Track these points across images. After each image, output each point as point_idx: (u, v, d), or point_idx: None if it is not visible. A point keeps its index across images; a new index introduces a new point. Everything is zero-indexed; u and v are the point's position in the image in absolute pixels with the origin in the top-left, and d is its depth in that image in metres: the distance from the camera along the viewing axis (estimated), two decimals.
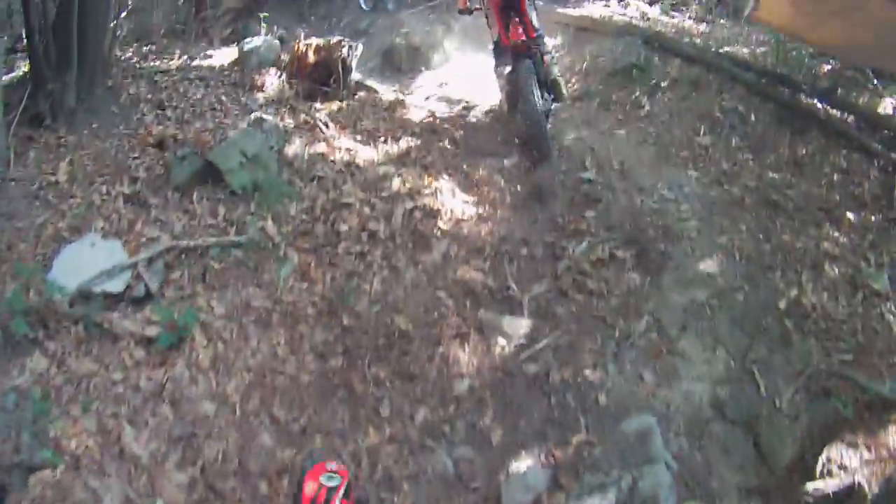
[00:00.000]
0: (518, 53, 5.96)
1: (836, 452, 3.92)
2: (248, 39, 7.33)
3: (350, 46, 6.76)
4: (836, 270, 4.95)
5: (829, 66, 7.82)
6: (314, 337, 4.14)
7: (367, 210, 4.89)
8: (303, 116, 6.08)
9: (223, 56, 7.54)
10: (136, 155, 5.42)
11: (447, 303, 4.34)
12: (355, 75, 6.97)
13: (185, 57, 7.51)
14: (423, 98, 7.48)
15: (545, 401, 4.00)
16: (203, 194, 5.00)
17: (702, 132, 6.53)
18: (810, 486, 3.81)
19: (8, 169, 5.19)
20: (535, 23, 6.23)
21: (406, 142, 5.91)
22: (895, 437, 3.94)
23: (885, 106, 6.87)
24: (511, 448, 3.85)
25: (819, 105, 6.54)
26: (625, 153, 6.15)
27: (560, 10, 9.47)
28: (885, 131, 6.35)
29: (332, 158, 5.50)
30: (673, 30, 8.85)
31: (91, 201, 4.93)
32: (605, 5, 9.94)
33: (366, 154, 5.65)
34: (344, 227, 4.72)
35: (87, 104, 5.96)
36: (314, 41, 6.74)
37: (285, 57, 7.30)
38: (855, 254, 5.14)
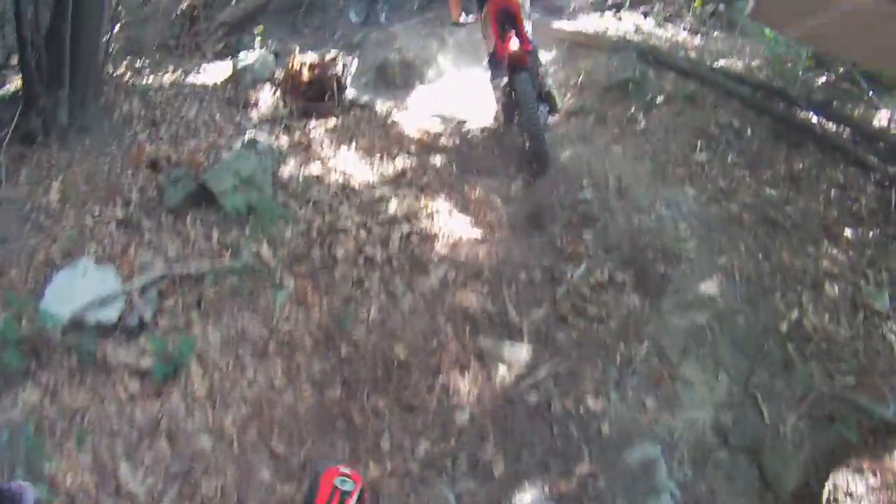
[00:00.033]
0: (515, 66, 5.96)
1: (842, 479, 3.88)
2: (241, 55, 7.28)
3: (345, 63, 6.70)
4: (836, 289, 4.91)
5: (824, 79, 7.83)
6: (312, 367, 4.07)
7: (363, 234, 4.84)
8: (297, 135, 6.04)
9: (217, 72, 7.47)
10: (128, 175, 5.35)
11: (446, 330, 4.28)
12: (350, 91, 6.90)
13: (179, 72, 7.45)
14: (417, 114, 7.43)
15: (547, 431, 3.94)
16: (197, 217, 4.94)
17: (698, 148, 6.50)
18: None
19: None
20: (530, 36, 6.27)
21: (402, 161, 5.87)
22: None
23: (881, 118, 6.86)
24: (513, 481, 3.79)
25: (815, 118, 6.52)
26: (621, 170, 6.11)
27: (555, 24, 9.44)
28: (881, 144, 6.34)
29: (327, 180, 5.45)
30: (667, 43, 8.84)
31: (83, 224, 4.86)
32: (599, 18, 9.92)
33: (361, 175, 5.60)
34: (340, 252, 4.66)
35: (80, 121, 5.89)
36: (309, 58, 6.68)
37: (279, 73, 7.25)
38: (854, 272, 5.11)
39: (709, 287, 4.76)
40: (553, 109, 6.31)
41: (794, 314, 4.62)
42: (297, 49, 6.97)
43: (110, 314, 4.12)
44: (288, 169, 5.49)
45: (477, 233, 5.07)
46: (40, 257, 4.59)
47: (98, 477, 3.59)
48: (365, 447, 3.86)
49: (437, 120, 7.25)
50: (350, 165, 5.72)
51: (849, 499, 3.81)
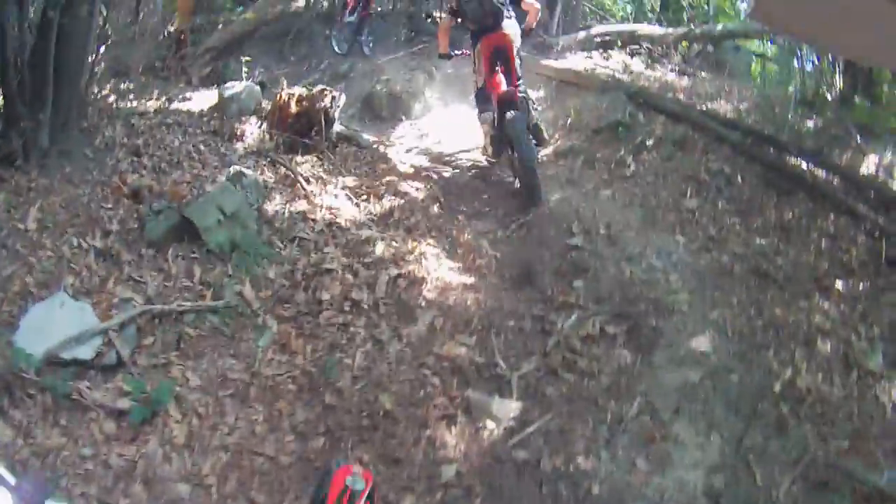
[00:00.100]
0: (506, 104, 6.01)
1: None
2: (228, 85, 7.15)
3: (333, 97, 6.59)
4: (829, 346, 4.83)
5: (813, 122, 7.86)
6: (295, 415, 3.90)
7: (349, 277, 4.71)
8: (283, 170, 5.90)
9: (202, 100, 7.34)
10: (109, 205, 5.17)
11: (433, 381, 4.14)
12: (337, 126, 6.79)
13: (164, 99, 7.29)
14: (404, 150, 7.37)
15: (536, 490, 3.79)
16: (178, 252, 4.79)
17: (688, 194, 6.46)
18: None
19: None
20: (519, 71, 6.35)
21: (389, 201, 5.76)
22: None
23: (869, 164, 6.87)
24: None
25: (805, 166, 6.50)
26: (611, 216, 6.05)
27: (543, 61, 9.45)
28: (871, 193, 6.33)
29: (313, 217, 5.32)
30: (656, 84, 8.85)
31: (61, 254, 4.66)
32: (588, 57, 9.95)
33: (348, 213, 5.48)
34: (326, 296, 4.52)
35: (61, 145, 5.69)
36: (297, 91, 6.57)
37: (266, 104, 7.14)
38: (846, 327, 5.04)
39: (701, 342, 4.66)
40: (541, 143, 6.34)
41: (788, 373, 4.52)
42: (285, 81, 6.84)
43: (87, 352, 3.95)
44: (273, 205, 5.35)
45: (465, 278, 4.95)
46: (16, 287, 4.38)
47: None
48: None
49: (424, 157, 7.18)
50: (336, 203, 5.59)
51: None
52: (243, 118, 6.78)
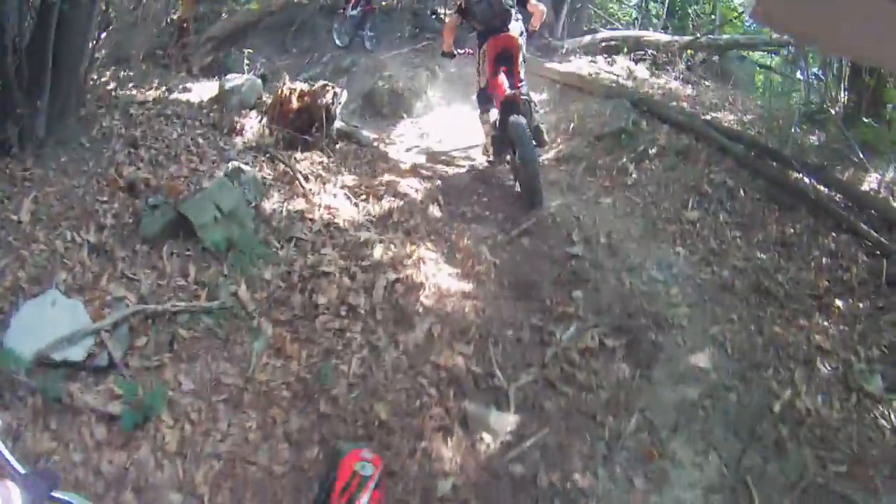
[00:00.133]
0: (509, 107, 6.00)
1: None
2: (229, 77, 7.05)
3: (335, 93, 6.50)
4: (828, 367, 4.79)
5: (815, 136, 7.82)
6: (289, 423, 3.80)
7: (347, 280, 4.61)
8: (282, 167, 5.80)
9: (203, 90, 7.24)
10: (104, 198, 5.06)
11: (430, 391, 4.06)
12: (337, 122, 6.70)
13: (164, 88, 7.18)
14: (405, 149, 7.31)
15: None
16: (173, 249, 4.68)
17: (690, 206, 6.41)
18: None
19: None
20: (523, 73, 6.34)
21: (388, 202, 5.68)
22: None
23: (871, 181, 6.84)
24: None
25: (808, 181, 6.46)
26: (612, 225, 6.00)
27: (547, 64, 9.38)
28: (872, 212, 6.29)
29: (311, 217, 5.23)
30: (660, 91, 8.80)
31: (54, 248, 4.54)
32: (592, 61, 9.90)
33: (346, 213, 5.39)
34: (322, 300, 4.42)
35: (58, 134, 5.58)
36: (298, 86, 6.47)
37: (267, 98, 7.05)
38: (846, 347, 4.99)
39: (700, 359, 4.61)
40: (541, 144, 6.32)
41: (787, 393, 4.47)
42: (287, 76, 6.74)
43: (78, 352, 3.83)
44: (271, 203, 5.26)
45: (464, 285, 4.87)
46: (7, 282, 4.26)
47: None
48: None
49: (424, 158, 7.11)
50: (335, 202, 5.51)
51: None
52: (243, 111, 6.68)
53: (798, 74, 12.31)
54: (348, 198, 5.65)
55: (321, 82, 6.71)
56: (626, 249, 5.66)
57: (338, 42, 10.97)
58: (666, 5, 13.07)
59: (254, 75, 7.54)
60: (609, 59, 10.05)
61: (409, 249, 5.03)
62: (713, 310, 5.11)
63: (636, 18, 14.36)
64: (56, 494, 1.66)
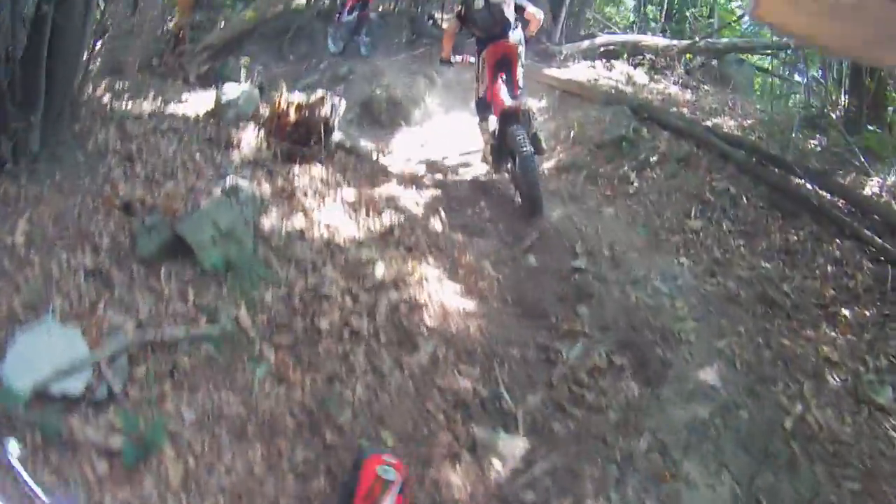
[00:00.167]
0: (509, 117, 6.00)
1: None
2: (225, 88, 6.93)
3: (333, 105, 6.41)
4: (837, 378, 4.75)
5: (816, 141, 7.78)
6: (294, 454, 3.71)
7: (348, 302, 4.54)
8: (280, 182, 5.71)
9: (199, 102, 7.12)
10: (100, 218, 4.93)
11: (437, 416, 3.99)
12: (336, 133, 6.62)
13: (160, 101, 7.04)
14: (404, 159, 7.22)
15: None
16: (171, 271, 4.57)
17: (692, 215, 6.37)
18: None
19: None
20: (521, 81, 6.33)
21: (389, 216, 5.60)
22: None
23: (872, 185, 6.80)
24: None
25: (810, 187, 6.40)
26: (614, 236, 5.94)
27: (546, 70, 9.31)
28: (875, 216, 6.25)
29: (311, 235, 5.14)
30: (659, 97, 8.74)
31: (49, 272, 4.40)
32: (591, 66, 9.83)
33: (347, 230, 5.31)
34: (324, 324, 4.34)
35: (52, 150, 5.44)
36: (296, 98, 6.37)
37: (264, 109, 6.95)
38: (853, 357, 4.96)
39: (709, 375, 4.55)
40: (539, 151, 6.23)
41: (798, 408, 4.41)
42: (284, 86, 6.65)
43: (76, 385, 3.72)
44: (270, 220, 5.17)
45: (467, 303, 4.80)
46: (2, 310, 4.17)
47: None
48: None
49: (424, 167, 7.03)
50: (335, 218, 5.42)
51: None
52: (241, 124, 6.57)
53: (796, 77, 12.31)
54: (348, 213, 5.57)
55: (319, 93, 6.59)
56: (630, 261, 5.60)
57: (332, 48, 10.90)
58: (664, 9, 13.01)
59: (250, 85, 7.44)
60: (608, 65, 9.99)
61: (410, 267, 4.96)
62: (720, 322, 5.05)
63: (634, 22, 14.30)
64: None
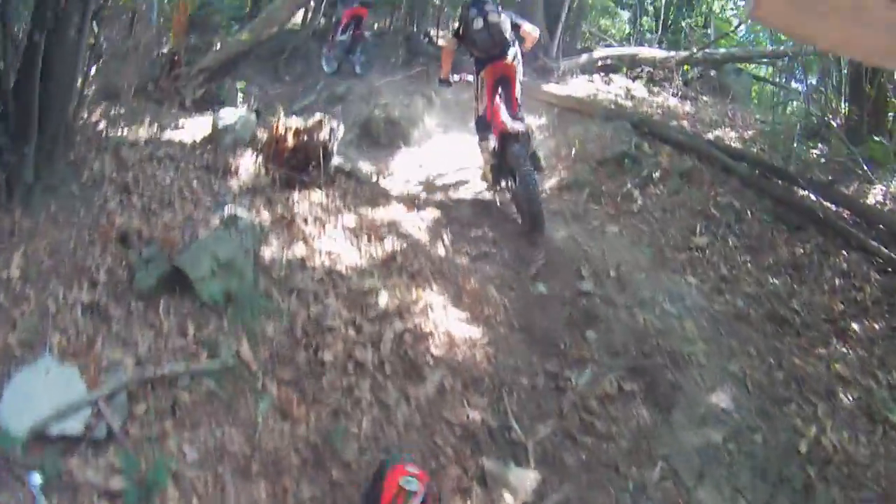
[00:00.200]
0: (509, 137, 5.99)
1: None
2: (222, 114, 6.86)
3: (332, 128, 6.35)
4: (850, 397, 4.69)
5: (818, 151, 7.72)
6: (300, 492, 3.62)
7: (352, 333, 4.45)
8: (280, 209, 5.64)
9: (195, 128, 7.05)
10: (96, 252, 4.85)
11: (445, 450, 3.90)
12: (335, 158, 6.55)
13: (156, 127, 6.96)
14: (403, 181, 7.15)
15: None
16: (170, 305, 4.49)
17: (697, 231, 6.31)
18: None
19: None
20: (520, 99, 6.32)
21: (391, 242, 5.52)
22: None
23: (876, 193, 6.75)
24: None
25: (814, 198, 6.34)
26: (620, 256, 5.87)
27: (545, 87, 9.25)
28: (881, 227, 6.19)
29: (312, 264, 5.06)
30: (659, 110, 8.69)
31: (46, 308, 4.30)
32: (589, 81, 9.79)
33: (348, 258, 5.23)
34: (328, 356, 4.26)
35: (47, 180, 5.35)
36: (294, 123, 6.31)
37: (262, 133, 6.89)
38: (865, 374, 4.91)
39: (721, 398, 4.47)
40: (538, 170, 6.19)
41: (813, 431, 4.34)
42: (282, 112, 6.59)
43: (75, 426, 3.62)
44: (270, 249, 5.09)
45: (474, 330, 4.72)
46: None
47: None
48: None
49: (424, 189, 6.96)
50: (336, 246, 5.34)
51: None
52: (238, 150, 6.49)
53: (793, 84, 12.27)
54: (349, 240, 5.49)
55: (317, 116, 6.53)
56: (637, 282, 5.52)
57: (326, 68, 10.86)
58: (662, 21, 12.98)
59: (247, 110, 7.37)
60: (606, 78, 9.95)
61: (415, 295, 4.88)
62: (730, 343, 4.97)
63: (630, 34, 14.28)
64: None
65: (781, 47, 10.96)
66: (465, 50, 6.55)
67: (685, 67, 10.50)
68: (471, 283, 5.19)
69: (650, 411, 4.33)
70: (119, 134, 6.60)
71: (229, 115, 6.87)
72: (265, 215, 5.56)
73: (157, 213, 5.38)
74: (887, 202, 6.74)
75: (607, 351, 4.72)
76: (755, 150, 7.65)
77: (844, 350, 5.09)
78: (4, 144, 5.01)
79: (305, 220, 5.59)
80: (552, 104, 8.98)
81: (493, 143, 6.34)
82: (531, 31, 6.51)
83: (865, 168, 6.94)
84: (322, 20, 11.90)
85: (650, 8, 14.81)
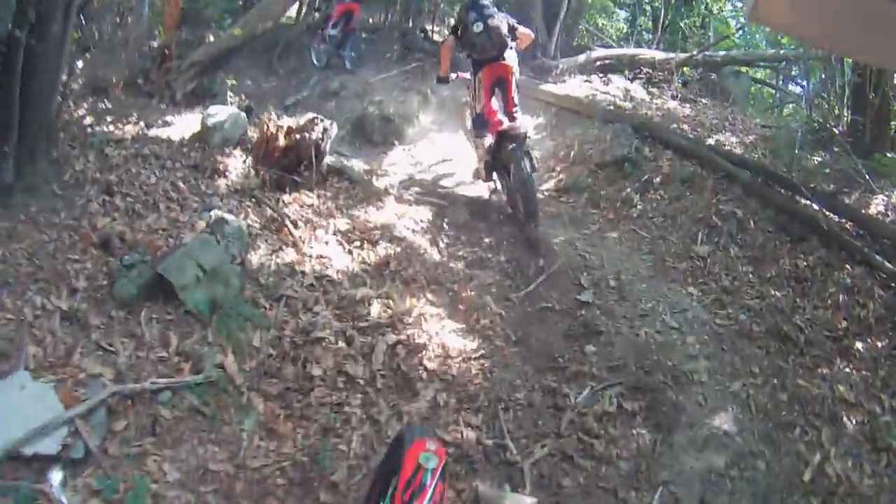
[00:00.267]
0: (507, 137, 6.02)
1: None
2: (211, 111, 6.66)
3: (325, 128, 6.16)
4: (853, 421, 4.53)
5: (820, 158, 7.58)
6: None
7: (343, 345, 4.28)
8: (269, 212, 5.45)
9: (184, 125, 6.83)
10: (76, 256, 4.65)
11: None
12: (327, 158, 6.36)
13: (142, 124, 6.73)
14: (398, 181, 6.96)
15: None
16: (153, 314, 4.30)
17: (699, 240, 6.15)
18: None
19: None
20: (516, 98, 6.30)
21: (384, 247, 5.35)
22: None
23: (878, 203, 6.61)
24: None
25: (816, 208, 6.19)
26: (619, 264, 5.72)
27: (542, 86, 9.07)
28: (885, 241, 6.05)
29: (301, 269, 4.89)
30: (659, 113, 8.52)
31: (23, 316, 4.10)
32: (587, 81, 9.60)
33: (340, 263, 5.06)
34: (317, 370, 4.09)
35: (27, 180, 5.16)
36: (285, 122, 6.12)
37: (252, 132, 6.69)
38: (868, 396, 4.76)
39: (724, 421, 4.31)
40: (532, 169, 6.08)
41: (816, 458, 4.18)
42: (273, 111, 6.40)
43: (51, 445, 3.42)
44: (258, 255, 4.91)
45: (469, 343, 4.56)
46: None
47: None
48: None
49: (419, 189, 6.77)
50: (327, 250, 5.17)
51: None
52: (227, 150, 6.29)
53: (790, 86, 12.16)
54: (341, 244, 5.32)
55: (309, 115, 6.35)
56: (637, 292, 5.37)
57: (315, 63, 10.69)
58: (660, 21, 12.80)
59: (237, 108, 7.17)
60: (604, 79, 9.77)
61: (408, 304, 4.71)
62: (732, 361, 4.82)
63: (628, 33, 14.12)
64: None
65: (782, 50, 10.83)
66: (461, 48, 6.45)
67: (684, 69, 10.34)
68: (466, 291, 5.03)
69: (651, 432, 4.16)
70: (105, 130, 6.38)
71: (219, 113, 6.66)
72: (253, 219, 5.39)
73: (141, 216, 5.20)
74: (889, 213, 6.60)
75: (607, 366, 4.56)
76: (756, 156, 7.48)
77: (848, 370, 4.92)
78: None
79: (295, 224, 5.42)
80: (550, 104, 8.81)
81: (489, 141, 6.35)
82: (528, 33, 6.60)
83: (867, 177, 6.80)
84: (316, 14, 11.68)
85: (648, 7, 14.68)
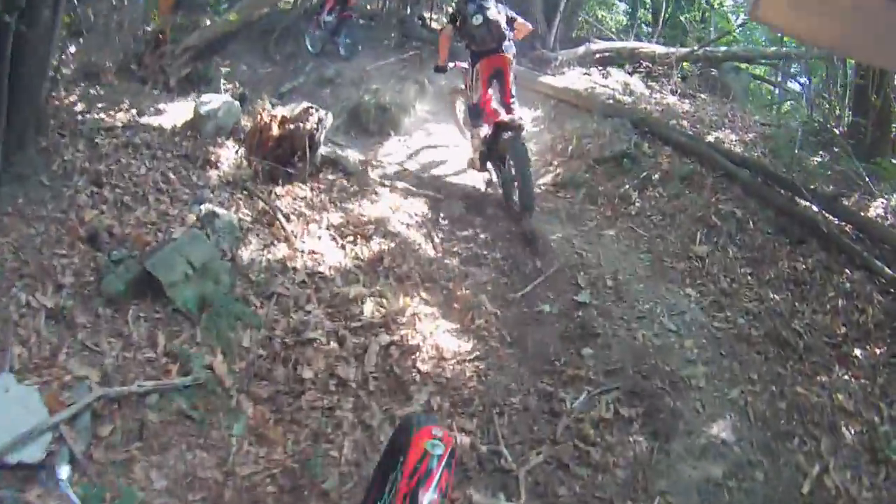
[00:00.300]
0: (505, 128, 6.03)
1: None
2: (204, 99, 6.51)
3: (320, 118, 6.03)
4: (852, 431, 4.45)
5: (819, 160, 7.51)
6: None
7: (335, 346, 4.19)
8: (261, 205, 5.34)
9: (176, 113, 6.67)
10: (63, 251, 4.51)
11: None
12: (322, 149, 6.23)
13: (134, 111, 6.57)
14: (393, 172, 6.85)
15: None
16: (140, 312, 4.19)
17: (698, 240, 6.06)
18: None
19: None
20: (513, 90, 6.34)
21: (378, 243, 5.24)
22: None
23: (877, 207, 6.54)
24: None
25: (816, 209, 6.11)
26: (617, 263, 5.63)
27: (541, 78, 8.95)
28: (885, 245, 5.98)
29: (293, 265, 4.79)
30: (658, 108, 8.41)
31: (8, 314, 3.97)
32: (586, 74, 9.49)
33: (332, 258, 4.96)
34: (308, 373, 3.99)
35: (15, 169, 4.99)
36: (279, 112, 5.98)
37: (246, 121, 6.56)
38: (867, 404, 4.69)
39: (722, 429, 4.23)
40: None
41: (815, 469, 4.11)
42: (268, 100, 6.27)
43: (35, 453, 3.30)
44: (249, 251, 4.80)
45: (464, 343, 4.47)
46: None
47: None
48: None
49: (414, 182, 6.66)
50: (320, 245, 5.06)
51: None
52: (220, 139, 6.15)
53: (789, 84, 12.06)
54: (334, 239, 5.21)
55: (304, 104, 6.21)
56: (635, 292, 5.28)
57: (310, 49, 10.52)
58: (661, 14, 12.68)
59: (231, 96, 7.03)
60: (604, 72, 9.65)
61: (402, 303, 4.61)
62: (731, 366, 4.74)
63: (628, 25, 14.00)
64: None
65: (783, 48, 10.74)
66: (459, 38, 6.37)
67: (684, 64, 10.24)
68: (462, 289, 4.94)
69: (648, 440, 4.08)
70: (96, 117, 6.22)
71: (212, 101, 6.51)
72: (245, 211, 5.27)
73: (130, 208, 5.06)
74: (888, 216, 6.53)
75: (604, 370, 4.48)
76: (756, 154, 7.39)
77: (847, 378, 4.85)
78: None
79: (288, 218, 5.31)
80: (549, 96, 8.71)
81: (485, 131, 6.33)
82: (527, 24, 6.60)
83: (867, 180, 6.73)
84: (313, 0, 11.51)
85: (648, 0, 14.55)
